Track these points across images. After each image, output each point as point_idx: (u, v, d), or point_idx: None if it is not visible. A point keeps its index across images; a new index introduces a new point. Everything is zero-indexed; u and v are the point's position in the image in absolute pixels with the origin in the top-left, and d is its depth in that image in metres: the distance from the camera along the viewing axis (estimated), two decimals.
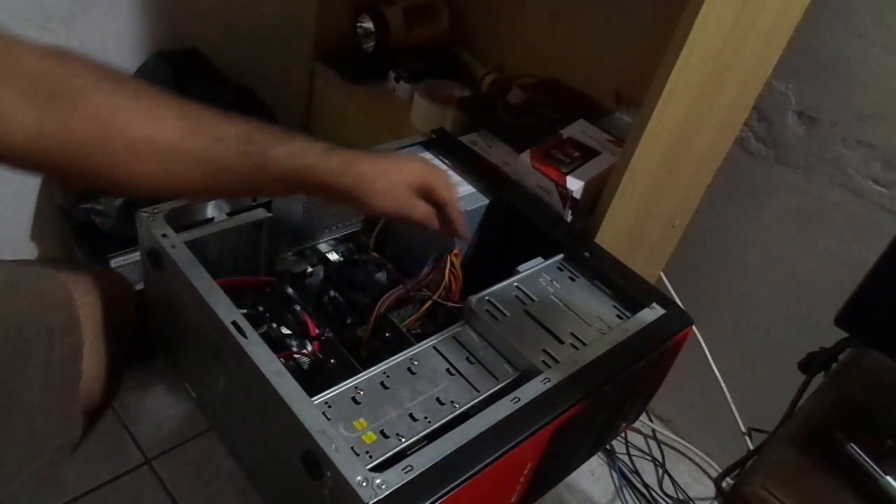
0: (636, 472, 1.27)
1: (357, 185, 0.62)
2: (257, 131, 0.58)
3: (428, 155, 0.93)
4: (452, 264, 0.81)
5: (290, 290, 0.81)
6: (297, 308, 0.79)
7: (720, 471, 0.67)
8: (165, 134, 0.53)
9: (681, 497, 1.25)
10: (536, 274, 0.81)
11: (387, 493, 0.52)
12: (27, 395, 0.62)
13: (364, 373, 0.66)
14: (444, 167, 0.90)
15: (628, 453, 1.28)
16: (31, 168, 0.53)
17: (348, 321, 0.81)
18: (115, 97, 0.52)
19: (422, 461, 0.55)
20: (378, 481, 0.52)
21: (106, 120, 0.51)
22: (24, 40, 0.49)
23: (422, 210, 0.68)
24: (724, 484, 0.62)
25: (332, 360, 0.74)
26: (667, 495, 1.25)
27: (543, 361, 0.69)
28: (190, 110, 0.56)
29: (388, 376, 0.66)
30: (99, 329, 0.71)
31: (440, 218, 0.70)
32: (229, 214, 0.79)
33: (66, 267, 0.74)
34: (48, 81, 0.49)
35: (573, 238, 0.86)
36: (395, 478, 0.53)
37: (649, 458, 1.30)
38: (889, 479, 0.54)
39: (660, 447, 1.30)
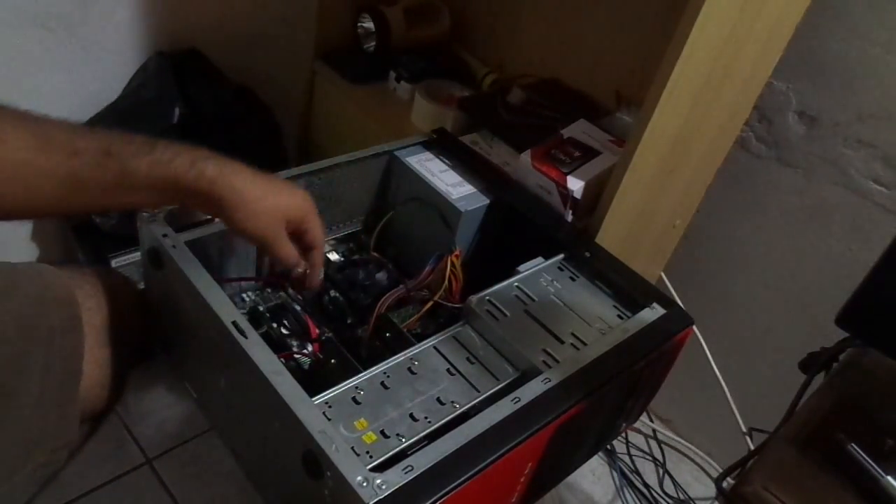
0: (637, 472, 1.27)
1: (228, 198, 0.59)
2: (118, 142, 0.56)
3: (428, 154, 0.93)
4: (453, 264, 0.81)
5: (290, 290, 0.82)
6: (298, 308, 0.79)
7: (721, 471, 0.67)
8: (17, 152, 0.52)
9: (681, 497, 1.25)
10: (537, 274, 0.81)
11: (387, 493, 0.52)
12: (24, 395, 0.62)
13: (364, 373, 0.66)
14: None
15: (629, 453, 1.28)
16: None
17: (349, 321, 0.81)
18: None
19: (422, 461, 0.55)
20: (378, 481, 0.52)
21: None
22: None
23: (286, 247, 0.64)
24: (724, 484, 0.62)
25: (332, 360, 0.74)
26: (667, 495, 1.25)
27: (544, 361, 0.69)
28: (44, 125, 0.54)
29: (388, 376, 0.66)
30: (101, 335, 0.71)
31: (302, 246, 0.67)
32: None
33: (69, 269, 0.74)
34: None
35: (574, 238, 0.86)
36: (396, 478, 0.53)
37: (650, 458, 1.30)
38: (890, 478, 0.54)
39: (660, 447, 1.30)
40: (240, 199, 0.59)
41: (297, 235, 0.66)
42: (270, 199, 0.61)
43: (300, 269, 0.69)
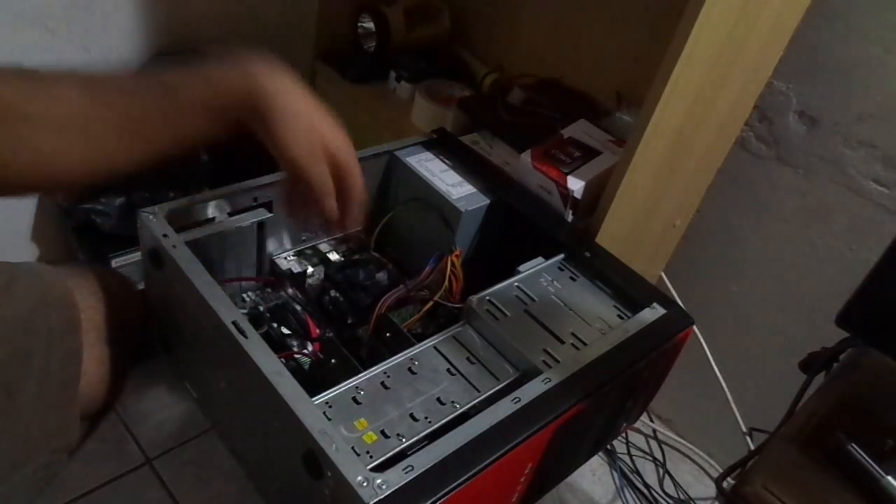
0: (637, 472, 1.27)
1: (274, 108, 0.59)
2: (170, 74, 0.56)
3: (428, 154, 0.93)
4: (453, 264, 0.81)
5: (290, 290, 0.82)
6: (298, 308, 0.79)
7: (721, 471, 0.67)
8: (71, 105, 0.51)
9: (682, 497, 1.25)
10: (537, 274, 0.81)
11: (387, 493, 0.52)
12: (24, 395, 0.62)
13: (365, 373, 0.66)
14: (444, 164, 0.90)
15: (629, 453, 1.28)
16: None
17: (349, 321, 0.81)
18: (9, 85, 0.49)
19: (422, 461, 0.55)
20: (379, 481, 0.52)
21: (4, 111, 0.48)
22: None
23: (323, 173, 0.61)
24: (724, 484, 0.62)
25: (332, 360, 0.74)
26: (668, 495, 1.25)
27: (544, 361, 0.69)
28: (94, 77, 0.54)
29: (388, 376, 0.66)
30: (101, 331, 0.71)
31: (338, 189, 0.64)
32: (230, 214, 0.79)
33: (68, 268, 0.74)
34: None
35: (574, 238, 0.86)
36: (396, 478, 0.53)
37: (650, 458, 1.30)
38: (890, 478, 0.54)
39: (661, 447, 1.30)
40: (287, 112, 0.59)
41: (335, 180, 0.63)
42: (315, 117, 0.61)
43: (330, 212, 0.64)
